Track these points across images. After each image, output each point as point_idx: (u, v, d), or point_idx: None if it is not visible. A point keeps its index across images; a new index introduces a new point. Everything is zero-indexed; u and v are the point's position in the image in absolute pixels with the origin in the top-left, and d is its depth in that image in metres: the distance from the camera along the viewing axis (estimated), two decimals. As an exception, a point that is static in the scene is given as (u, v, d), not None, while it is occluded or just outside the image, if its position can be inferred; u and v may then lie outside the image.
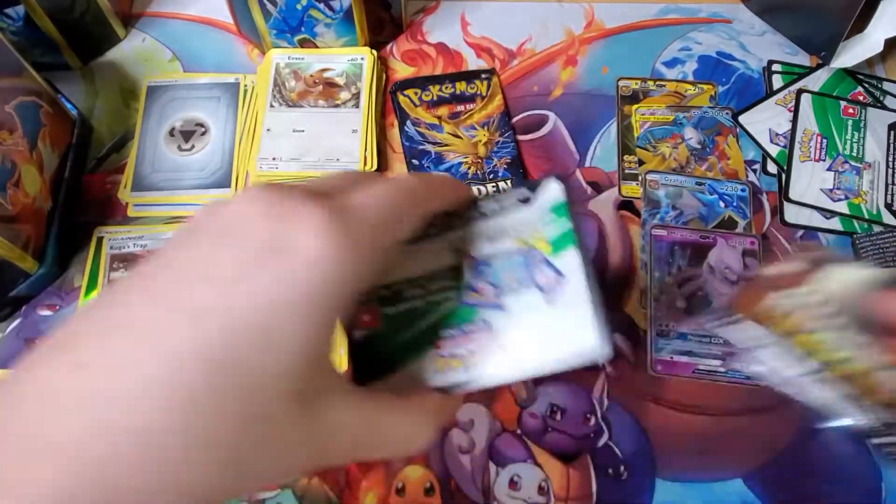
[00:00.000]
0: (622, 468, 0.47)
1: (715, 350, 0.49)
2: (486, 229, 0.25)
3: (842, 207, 0.55)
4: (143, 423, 0.16)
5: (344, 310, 0.20)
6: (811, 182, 0.56)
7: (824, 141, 0.57)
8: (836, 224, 0.55)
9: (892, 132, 0.58)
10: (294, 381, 0.18)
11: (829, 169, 0.56)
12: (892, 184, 0.56)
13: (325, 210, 0.19)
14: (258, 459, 0.18)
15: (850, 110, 0.58)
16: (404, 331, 0.25)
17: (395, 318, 0.25)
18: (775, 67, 0.62)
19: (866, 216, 0.54)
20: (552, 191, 0.26)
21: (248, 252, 0.18)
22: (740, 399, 0.49)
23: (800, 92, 0.59)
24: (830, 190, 0.55)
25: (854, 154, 0.57)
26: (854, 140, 0.57)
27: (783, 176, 0.56)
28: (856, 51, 0.59)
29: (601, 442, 0.48)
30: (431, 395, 0.24)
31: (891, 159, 0.57)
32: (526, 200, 0.26)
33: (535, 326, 0.24)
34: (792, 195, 0.55)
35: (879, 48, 0.57)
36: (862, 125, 0.58)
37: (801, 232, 0.55)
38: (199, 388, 0.17)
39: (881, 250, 0.52)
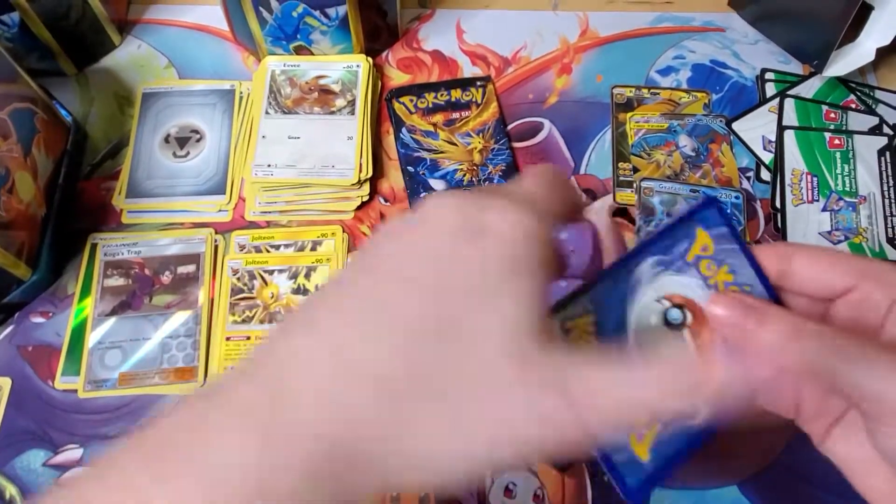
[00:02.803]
0: (617, 475, 0.47)
1: (710, 357, 0.49)
2: None
3: (843, 249, 0.52)
4: (384, 371, 0.20)
5: (543, 280, 0.22)
6: (808, 226, 0.54)
7: (815, 179, 0.55)
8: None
9: (882, 158, 0.56)
10: (511, 340, 0.20)
11: (824, 209, 0.54)
12: (891, 215, 0.54)
13: (505, 198, 0.23)
14: (480, 416, 0.20)
15: (837, 141, 0.57)
16: None
17: None
18: (768, 76, 0.62)
19: (869, 255, 0.52)
20: None
21: (455, 235, 0.22)
22: (735, 406, 0.49)
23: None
24: (829, 232, 0.53)
25: (847, 189, 0.55)
26: (845, 174, 0.55)
27: (778, 216, 0.54)
28: (848, 59, 0.59)
29: (596, 449, 0.47)
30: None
31: (885, 188, 0.55)
32: None
33: None
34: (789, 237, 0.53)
35: (871, 57, 0.58)
36: (850, 156, 0.56)
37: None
38: (429, 349, 0.20)
39: None
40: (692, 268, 0.30)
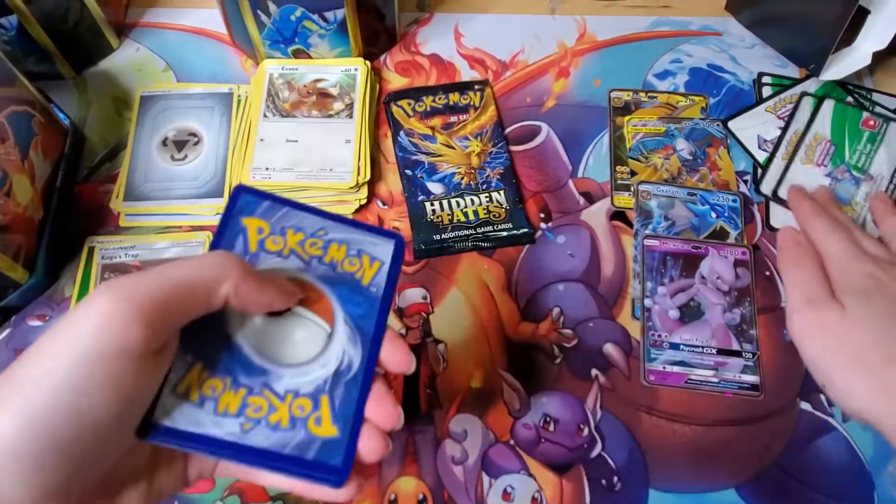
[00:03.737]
0: (615, 479, 0.47)
1: (707, 360, 0.49)
2: None
3: None
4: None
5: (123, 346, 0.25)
6: (805, 184, 0.54)
7: (832, 148, 0.57)
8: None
9: None
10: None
11: (827, 175, 0.56)
12: (890, 197, 0.54)
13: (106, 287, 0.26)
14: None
15: (871, 122, 0.58)
16: None
17: None
18: (765, 79, 0.62)
19: None
20: None
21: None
22: (733, 409, 0.49)
23: (823, 98, 0.59)
24: None
25: (859, 165, 0.56)
26: (865, 151, 0.56)
27: (758, 171, 0.56)
28: (844, 63, 0.59)
29: (594, 452, 0.47)
30: None
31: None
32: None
33: None
34: (781, 193, 0.55)
35: (868, 61, 0.58)
36: (878, 139, 0.57)
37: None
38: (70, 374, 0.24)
39: None
40: (261, 253, 0.30)
